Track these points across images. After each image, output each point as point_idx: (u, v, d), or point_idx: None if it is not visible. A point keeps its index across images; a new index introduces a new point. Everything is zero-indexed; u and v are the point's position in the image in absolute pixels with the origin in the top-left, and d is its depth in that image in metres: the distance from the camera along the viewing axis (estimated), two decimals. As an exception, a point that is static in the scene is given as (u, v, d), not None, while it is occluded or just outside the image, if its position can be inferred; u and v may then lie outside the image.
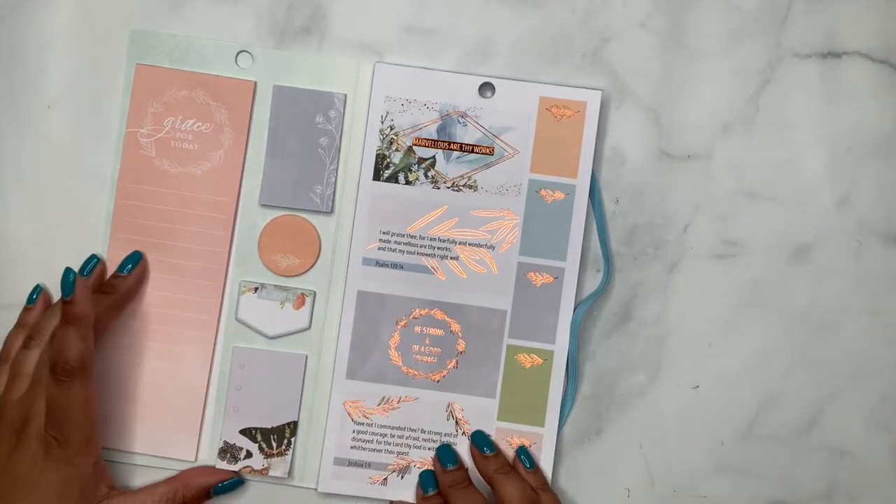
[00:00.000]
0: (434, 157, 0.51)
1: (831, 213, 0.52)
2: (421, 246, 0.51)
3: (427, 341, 0.51)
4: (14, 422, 0.47)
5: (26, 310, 0.51)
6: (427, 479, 0.51)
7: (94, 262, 0.50)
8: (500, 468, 0.50)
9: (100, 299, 0.49)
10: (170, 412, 0.51)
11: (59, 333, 0.46)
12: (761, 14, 0.52)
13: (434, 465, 0.51)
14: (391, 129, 0.51)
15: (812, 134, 0.52)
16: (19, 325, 0.51)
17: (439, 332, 0.51)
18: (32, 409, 0.46)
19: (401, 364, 0.51)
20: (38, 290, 0.51)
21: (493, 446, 0.51)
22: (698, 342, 0.53)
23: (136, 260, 0.51)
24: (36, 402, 0.46)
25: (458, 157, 0.51)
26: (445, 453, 0.51)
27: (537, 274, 0.51)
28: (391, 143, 0.51)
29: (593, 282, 0.52)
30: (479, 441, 0.51)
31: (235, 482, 0.51)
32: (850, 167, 0.52)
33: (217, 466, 0.51)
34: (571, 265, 0.51)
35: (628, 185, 0.52)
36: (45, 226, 0.52)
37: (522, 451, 0.51)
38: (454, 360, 0.51)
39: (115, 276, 0.50)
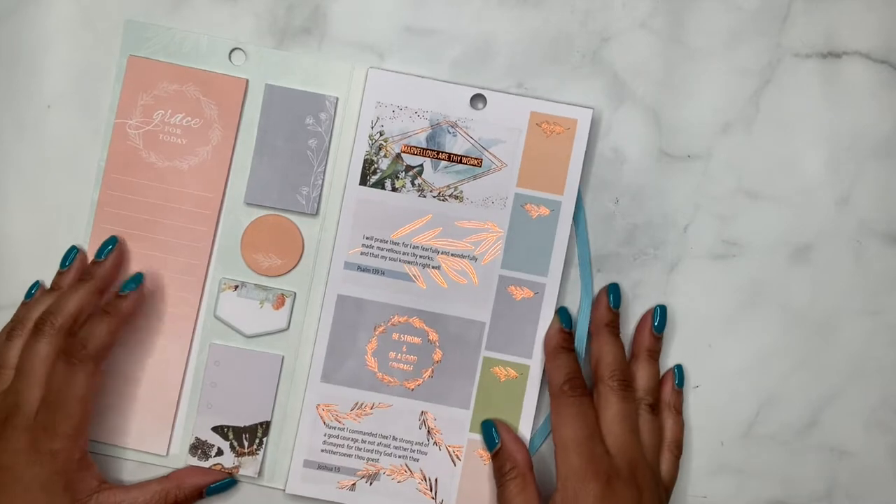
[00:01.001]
0: (422, 165, 0.51)
1: (831, 213, 0.52)
2: (403, 253, 0.51)
3: (404, 349, 0.51)
4: None
5: (24, 305, 0.50)
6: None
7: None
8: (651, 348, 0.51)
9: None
10: (143, 405, 0.51)
11: (96, 320, 0.47)
12: (761, 14, 0.52)
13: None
14: (381, 134, 0.51)
15: (812, 134, 0.52)
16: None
17: (417, 340, 0.51)
18: (19, 400, 0.45)
19: (376, 370, 0.51)
20: (36, 286, 0.51)
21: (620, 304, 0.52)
22: (698, 342, 0.53)
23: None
24: (23, 393, 0.45)
25: (445, 167, 0.51)
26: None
27: (518, 288, 0.51)
28: (380, 149, 0.51)
29: (573, 297, 0.52)
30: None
31: (229, 482, 0.50)
32: (850, 167, 0.52)
33: (187, 463, 0.51)
34: (552, 281, 0.51)
35: (628, 185, 0.52)
36: (44, 225, 0.52)
37: (659, 309, 0.51)
38: (430, 369, 0.51)
39: (115, 295, 0.49)
